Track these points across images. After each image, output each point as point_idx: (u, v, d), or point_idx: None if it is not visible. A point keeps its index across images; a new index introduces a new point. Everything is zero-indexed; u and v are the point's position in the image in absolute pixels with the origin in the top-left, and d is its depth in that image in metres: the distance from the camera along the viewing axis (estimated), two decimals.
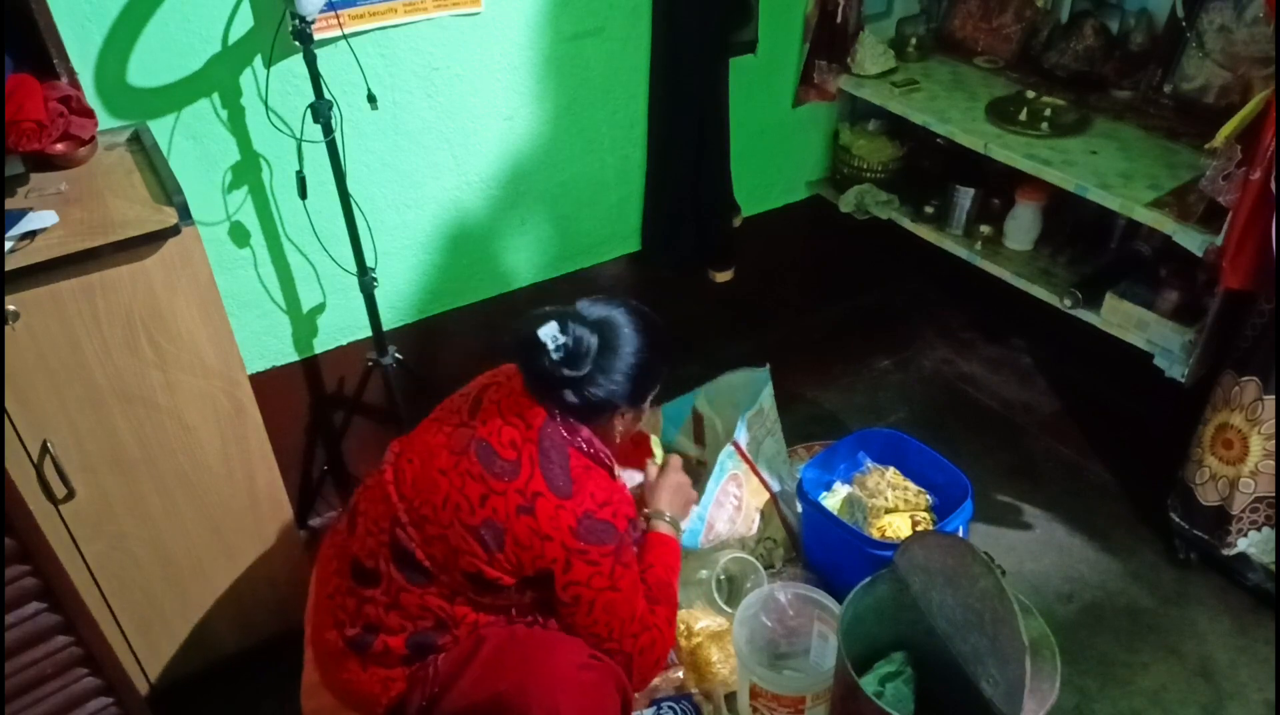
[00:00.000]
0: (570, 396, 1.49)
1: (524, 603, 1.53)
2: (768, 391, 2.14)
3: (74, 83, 1.68)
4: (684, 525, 1.83)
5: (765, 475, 2.10)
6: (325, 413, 2.31)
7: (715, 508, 1.94)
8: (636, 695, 1.78)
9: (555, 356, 1.44)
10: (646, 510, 1.76)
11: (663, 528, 1.74)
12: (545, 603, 1.54)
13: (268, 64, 1.86)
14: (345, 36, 1.87)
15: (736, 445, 2.00)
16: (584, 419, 1.52)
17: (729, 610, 1.88)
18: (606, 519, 1.47)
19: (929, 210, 2.61)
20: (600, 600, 1.49)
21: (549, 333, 1.44)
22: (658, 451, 1.90)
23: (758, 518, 2.07)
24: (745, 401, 2.12)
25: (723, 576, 1.97)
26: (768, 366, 2.16)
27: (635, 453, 1.90)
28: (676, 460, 1.83)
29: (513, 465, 1.44)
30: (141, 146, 1.72)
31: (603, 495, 1.48)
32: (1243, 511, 2.04)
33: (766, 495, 2.10)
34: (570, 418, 1.51)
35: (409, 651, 1.50)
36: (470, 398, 1.56)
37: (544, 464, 1.45)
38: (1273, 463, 1.96)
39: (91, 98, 1.73)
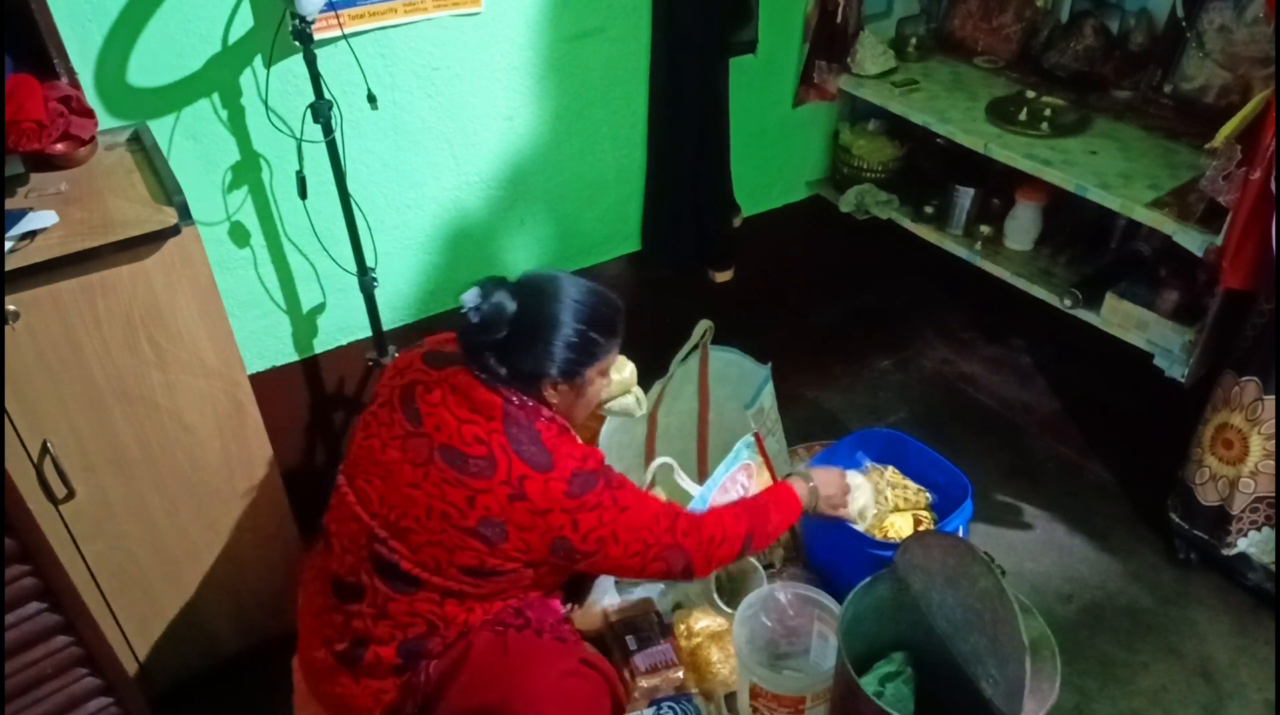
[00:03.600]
0: (496, 363, 1.47)
1: (523, 582, 1.53)
2: (768, 390, 2.14)
3: (74, 83, 1.68)
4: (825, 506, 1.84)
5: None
6: (325, 413, 2.31)
7: (720, 493, 1.93)
8: (636, 695, 1.78)
9: (472, 319, 1.44)
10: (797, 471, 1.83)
11: (797, 485, 1.77)
12: (542, 582, 1.55)
13: (268, 64, 1.86)
14: (345, 36, 1.87)
15: (758, 437, 2.00)
16: (521, 390, 1.50)
17: (729, 610, 1.88)
18: (592, 468, 1.49)
19: (929, 210, 2.61)
20: (619, 526, 1.50)
21: (469, 297, 1.45)
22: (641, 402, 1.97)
23: None
24: (744, 394, 2.12)
25: (723, 576, 1.97)
26: (769, 365, 2.16)
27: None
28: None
29: (487, 461, 1.43)
30: (141, 146, 1.73)
31: (580, 451, 1.50)
32: (1243, 511, 2.04)
33: None
34: (524, 396, 1.49)
35: (400, 660, 1.49)
36: (394, 405, 1.52)
37: (517, 448, 1.44)
38: (1273, 463, 1.96)
39: (91, 98, 1.73)
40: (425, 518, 1.43)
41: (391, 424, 1.50)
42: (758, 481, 2.03)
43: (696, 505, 1.90)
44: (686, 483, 1.98)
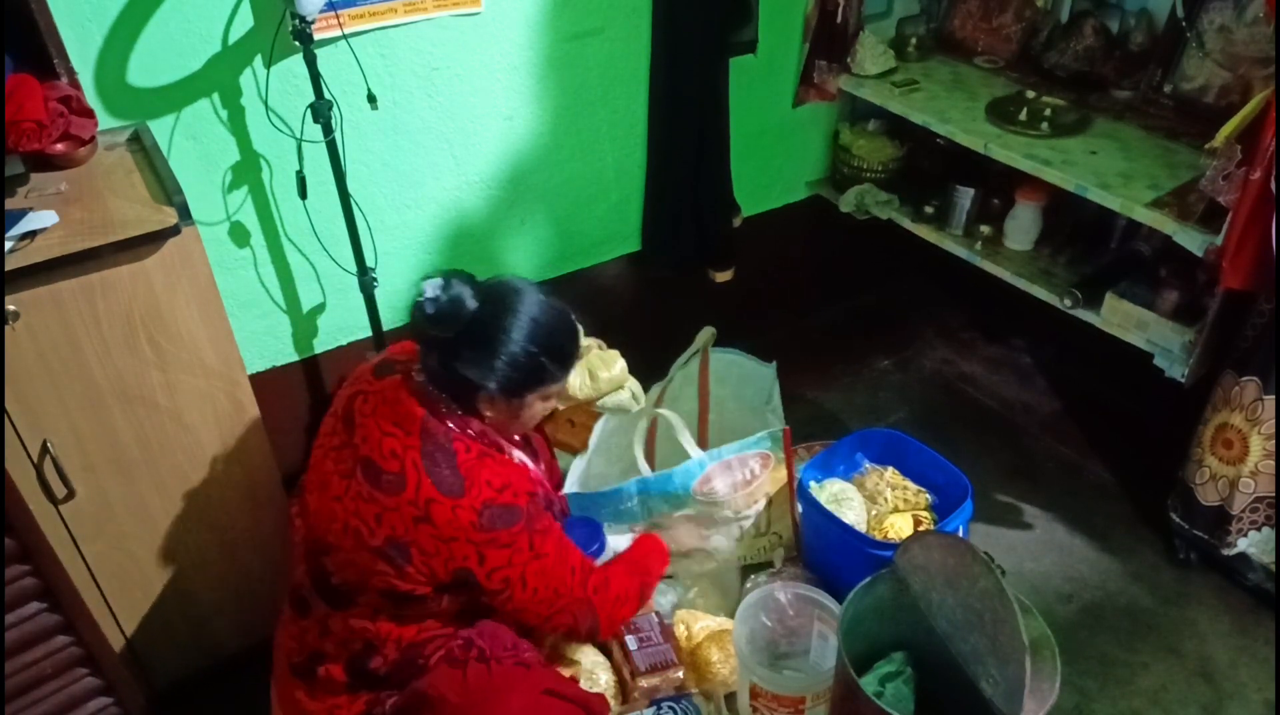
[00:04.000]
0: (436, 363, 1.42)
1: (445, 611, 1.47)
2: (774, 390, 2.14)
3: (74, 83, 1.68)
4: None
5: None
6: (325, 413, 2.31)
7: (723, 466, 1.91)
8: (636, 695, 1.78)
9: (428, 309, 1.37)
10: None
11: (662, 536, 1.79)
12: (467, 610, 1.48)
13: (268, 64, 1.86)
14: (345, 36, 1.87)
15: (787, 433, 1.98)
16: (453, 397, 1.43)
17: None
18: (508, 502, 1.41)
19: (929, 210, 2.61)
20: (529, 571, 1.45)
21: (430, 285, 1.38)
22: (637, 394, 1.91)
23: (761, 503, 2.05)
24: (745, 393, 2.11)
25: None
26: (774, 364, 2.16)
27: (577, 432, 1.97)
28: None
29: (398, 477, 1.37)
30: (141, 146, 1.73)
31: (500, 480, 1.42)
32: (1243, 511, 2.04)
33: (783, 486, 2.08)
34: (454, 407, 1.44)
35: (349, 677, 1.46)
36: (339, 415, 1.49)
37: (429, 467, 1.38)
38: (1273, 463, 1.96)
39: (91, 98, 1.73)
40: (342, 533, 1.40)
41: (333, 434, 1.48)
42: (769, 475, 2.02)
43: (694, 467, 1.88)
44: (689, 445, 1.96)
